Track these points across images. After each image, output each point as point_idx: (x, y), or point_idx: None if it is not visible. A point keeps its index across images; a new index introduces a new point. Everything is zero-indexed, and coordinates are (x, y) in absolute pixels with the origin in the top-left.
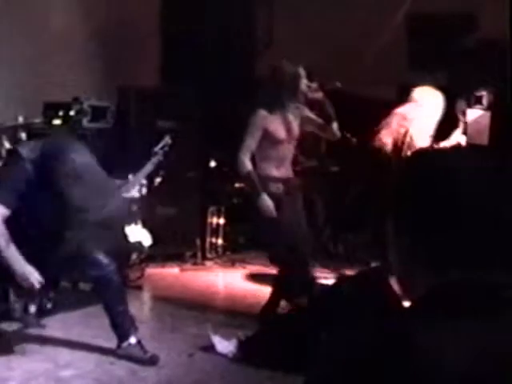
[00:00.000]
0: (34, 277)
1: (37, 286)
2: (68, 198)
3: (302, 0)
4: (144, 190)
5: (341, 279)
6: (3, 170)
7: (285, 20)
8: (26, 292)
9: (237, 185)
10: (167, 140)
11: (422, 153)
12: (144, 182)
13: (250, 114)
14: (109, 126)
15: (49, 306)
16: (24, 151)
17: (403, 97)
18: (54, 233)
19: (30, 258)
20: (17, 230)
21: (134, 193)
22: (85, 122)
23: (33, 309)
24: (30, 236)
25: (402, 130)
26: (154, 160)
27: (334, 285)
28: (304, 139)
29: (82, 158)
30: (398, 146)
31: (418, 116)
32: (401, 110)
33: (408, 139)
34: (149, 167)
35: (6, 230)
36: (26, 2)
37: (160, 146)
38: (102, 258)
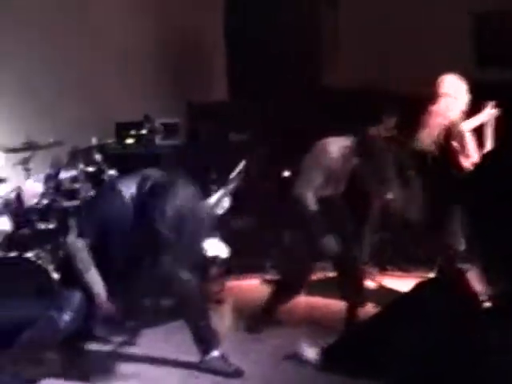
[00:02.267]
0: (111, 308)
1: (108, 312)
2: (163, 231)
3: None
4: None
5: (421, 282)
6: (95, 203)
7: (351, 23)
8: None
9: None
10: (243, 165)
11: None
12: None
13: None
14: (180, 142)
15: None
16: (122, 187)
17: (473, 94)
18: (140, 258)
19: (114, 285)
20: (102, 256)
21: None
22: (157, 139)
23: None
24: (116, 262)
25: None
26: (231, 187)
27: (415, 288)
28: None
29: (184, 196)
30: (442, 145)
31: (454, 109)
32: (437, 108)
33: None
34: (225, 193)
35: (89, 255)
36: (91, 22)
37: (236, 172)
38: (183, 274)
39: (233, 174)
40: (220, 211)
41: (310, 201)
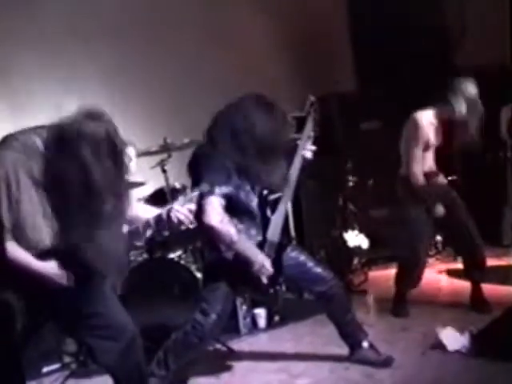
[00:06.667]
0: (269, 264)
1: (269, 271)
2: None
3: None
4: None
5: None
6: None
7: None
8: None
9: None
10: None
11: None
12: None
13: None
14: (314, 134)
15: (276, 318)
16: None
17: None
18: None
19: None
20: None
21: None
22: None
23: (262, 323)
24: None
25: None
26: None
27: None
28: None
29: None
30: None
31: None
32: None
33: None
34: None
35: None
36: (224, 20)
37: None
38: (325, 274)
39: None
40: None
41: (420, 176)
